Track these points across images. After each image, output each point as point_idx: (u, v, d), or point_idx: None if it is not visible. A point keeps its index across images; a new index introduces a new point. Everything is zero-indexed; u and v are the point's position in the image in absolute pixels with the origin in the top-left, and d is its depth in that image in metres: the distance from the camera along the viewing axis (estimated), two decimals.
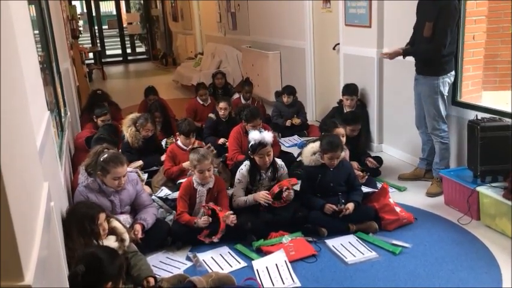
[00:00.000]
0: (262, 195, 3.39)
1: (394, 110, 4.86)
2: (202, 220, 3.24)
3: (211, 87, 7.11)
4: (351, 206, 3.34)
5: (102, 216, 2.62)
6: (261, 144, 3.44)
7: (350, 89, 5.06)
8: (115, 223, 2.71)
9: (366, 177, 3.97)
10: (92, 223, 2.54)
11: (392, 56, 3.98)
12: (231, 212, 3.25)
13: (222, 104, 5.24)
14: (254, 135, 3.49)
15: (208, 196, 3.42)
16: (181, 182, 3.67)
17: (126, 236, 2.71)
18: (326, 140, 3.48)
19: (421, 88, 3.93)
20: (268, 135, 3.49)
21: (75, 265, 2.07)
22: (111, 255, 2.20)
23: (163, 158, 4.40)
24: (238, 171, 3.58)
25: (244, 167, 3.56)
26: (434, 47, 3.68)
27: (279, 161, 3.66)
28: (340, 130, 4.00)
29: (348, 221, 3.36)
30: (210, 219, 3.26)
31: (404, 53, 3.92)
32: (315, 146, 3.55)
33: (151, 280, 2.60)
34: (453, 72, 3.85)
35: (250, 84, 6.47)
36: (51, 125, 2.74)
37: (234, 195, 3.55)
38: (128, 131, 4.46)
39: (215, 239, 3.23)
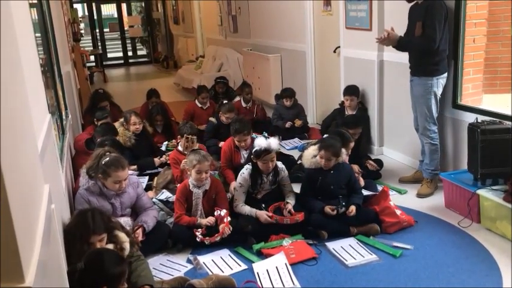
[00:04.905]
0: (264, 219, 3.34)
1: (395, 113, 4.86)
2: (207, 220, 3.28)
3: (212, 90, 7.13)
4: (353, 208, 3.34)
5: (95, 238, 2.43)
6: (266, 151, 3.43)
7: (350, 90, 5.13)
8: (118, 233, 2.58)
9: (361, 174, 3.96)
10: (81, 242, 2.39)
11: (386, 41, 3.89)
12: (229, 222, 3.25)
13: (229, 114, 5.20)
14: (260, 142, 3.44)
15: (205, 198, 3.42)
16: None
17: (127, 246, 2.59)
18: (325, 139, 3.54)
19: (415, 89, 3.99)
20: (274, 143, 3.46)
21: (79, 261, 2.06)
22: (115, 261, 2.16)
23: (157, 162, 4.51)
24: (239, 175, 3.56)
25: (246, 170, 3.54)
26: (425, 39, 3.76)
27: (280, 164, 3.65)
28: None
29: (349, 223, 3.36)
30: (214, 222, 3.29)
31: (399, 42, 3.89)
32: (316, 148, 3.55)
33: None
34: (446, 74, 3.90)
35: (249, 85, 6.47)
36: (52, 127, 2.74)
37: (235, 199, 3.54)
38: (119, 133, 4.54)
39: (207, 241, 3.21)
